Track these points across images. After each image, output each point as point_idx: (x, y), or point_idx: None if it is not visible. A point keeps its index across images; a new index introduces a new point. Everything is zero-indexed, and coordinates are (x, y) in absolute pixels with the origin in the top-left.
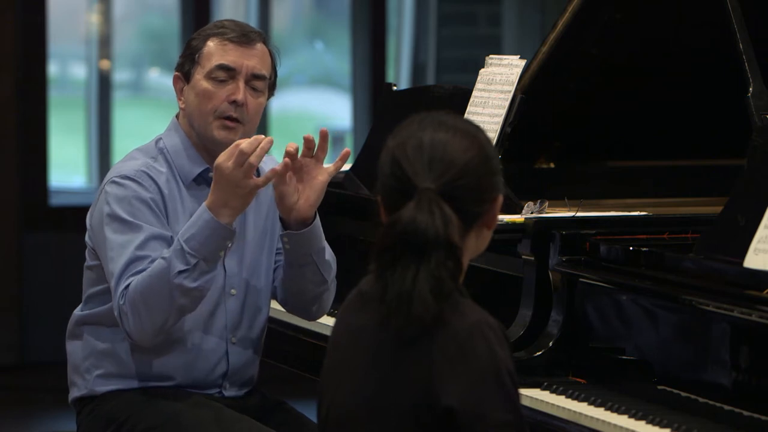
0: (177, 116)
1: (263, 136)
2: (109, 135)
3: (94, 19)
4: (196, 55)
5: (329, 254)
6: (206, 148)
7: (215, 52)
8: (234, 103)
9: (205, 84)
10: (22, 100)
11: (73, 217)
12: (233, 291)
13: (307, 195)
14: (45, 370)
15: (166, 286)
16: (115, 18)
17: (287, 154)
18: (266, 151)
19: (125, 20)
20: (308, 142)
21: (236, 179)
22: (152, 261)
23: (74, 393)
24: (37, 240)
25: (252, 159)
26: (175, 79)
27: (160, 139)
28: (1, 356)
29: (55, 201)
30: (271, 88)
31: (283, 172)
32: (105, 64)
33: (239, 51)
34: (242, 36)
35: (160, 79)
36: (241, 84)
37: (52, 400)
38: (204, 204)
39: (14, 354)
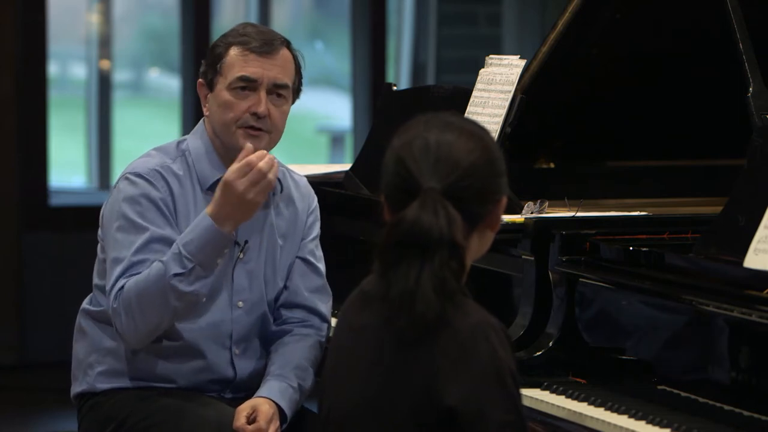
0: (204, 120)
1: (273, 156)
2: (109, 135)
3: (94, 19)
4: (218, 65)
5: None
6: (229, 156)
7: (236, 63)
8: (255, 114)
9: (227, 95)
10: (22, 100)
11: (73, 217)
12: (240, 304)
13: None
14: (45, 370)
15: (161, 289)
16: (115, 18)
17: None
18: (277, 168)
19: (125, 20)
20: None
21: (251, 198)
22: (150, 264)
23: (75, 388)
24: (37, 240)
25: (270, 176)
26: (199, 86)
27: (184, 140)
28: (1, 356)
29: (55, 201)
30: (296, 93)
31: None
32: (105, 64)
33: (260, 62)
34: (264, 45)
35: (160, 79)
36: (263, 95)
37: (52, 400)
38: (205, 211)
39: (14, 354)
